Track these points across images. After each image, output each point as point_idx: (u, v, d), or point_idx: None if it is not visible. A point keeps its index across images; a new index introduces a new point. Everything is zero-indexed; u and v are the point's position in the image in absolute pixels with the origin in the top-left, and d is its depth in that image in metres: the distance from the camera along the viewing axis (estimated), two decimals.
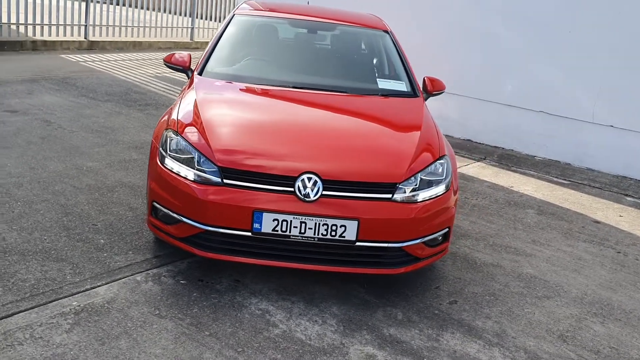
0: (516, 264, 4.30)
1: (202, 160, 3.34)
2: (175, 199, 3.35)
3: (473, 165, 6.82)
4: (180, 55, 4.57)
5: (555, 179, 6.63)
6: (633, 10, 6.65)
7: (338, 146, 3.57)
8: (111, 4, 13.04)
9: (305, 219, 3.22)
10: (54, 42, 11.58)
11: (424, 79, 4.71)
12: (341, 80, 4.48)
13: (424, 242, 3.48)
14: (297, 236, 3.24)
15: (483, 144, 7.85)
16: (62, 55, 11.08)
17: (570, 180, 6.63)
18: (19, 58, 10.35)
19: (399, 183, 3.38)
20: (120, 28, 13.02)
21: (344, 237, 3.26)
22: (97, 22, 12.50)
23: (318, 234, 3.24)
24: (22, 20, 11.16)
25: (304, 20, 4.95)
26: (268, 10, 5.04)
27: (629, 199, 6.20)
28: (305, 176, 3.26)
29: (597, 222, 5.41)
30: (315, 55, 4.72)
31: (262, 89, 4.20)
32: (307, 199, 3.23)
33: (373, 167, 3.45)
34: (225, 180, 3.27)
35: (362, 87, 4.41)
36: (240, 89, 4.21)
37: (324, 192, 3.26)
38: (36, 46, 11.28)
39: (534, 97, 7.40)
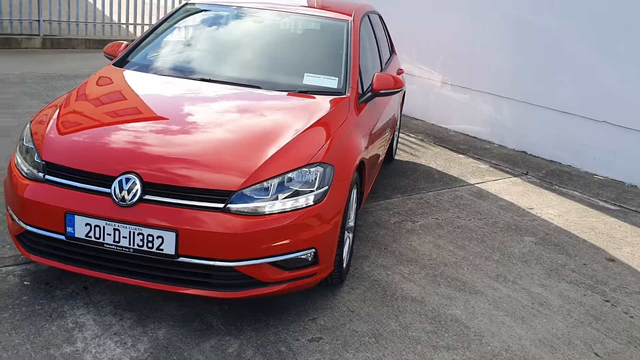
0: (446, 302, 3.50)
1: (36, 154, 3.10)
2: (10, 194, 3.16)
3: (504, 181, 5.86)
4: (125, 45, 4.35)
5: (600, 203, 5.47)
6: None
7: (180, 147, 3.08)
8: None
9: (118, 225, 2.83)
10: None
11: (372, 77, 4.04)
12: (263, 74, 3.98)
13: (271, 263, 2.91)
14: (112, 245, 2.86)
15: (538, 157, 6.75)
16: None
17: (621, 206, 5.42)
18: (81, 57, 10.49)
19: (238, 191, 2.86)
20: None
21: (161, 250, 2.82)
22: None
23: (134, 245, 2.83)
24: (123, 20, 11.84)
25: (256, 9, 4.48)
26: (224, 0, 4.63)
27: None
28: (124, 177, 2.87)
29: (612, 259, 4.31)
30: (251, 48, 4.24)
31: (161, 81, 3.86)
32: (122, 203, 2.84)
33: (207, 171, 2.94)
34: (47, 177, 2.99)
35: (281, 83, 3.86)
36: (135, 80, 3.90)
37: (147, 197, 2.86)
38: None
39: (596, 105, 6.19)
